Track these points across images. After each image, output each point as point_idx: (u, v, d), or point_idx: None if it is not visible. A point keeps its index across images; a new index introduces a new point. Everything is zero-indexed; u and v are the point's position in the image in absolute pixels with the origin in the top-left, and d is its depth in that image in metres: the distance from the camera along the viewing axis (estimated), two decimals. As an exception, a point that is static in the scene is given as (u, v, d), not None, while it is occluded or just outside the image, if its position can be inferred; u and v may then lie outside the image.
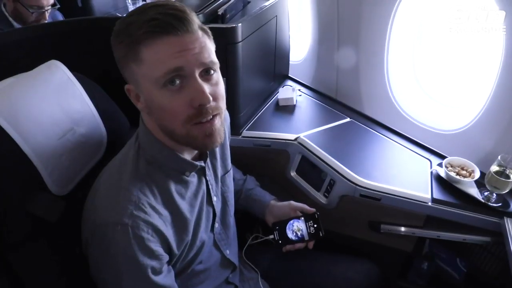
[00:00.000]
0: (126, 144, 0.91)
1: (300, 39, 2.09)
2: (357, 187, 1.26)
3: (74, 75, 1.01)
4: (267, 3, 1.52)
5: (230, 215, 1.09)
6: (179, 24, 0.71)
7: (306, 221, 1.13)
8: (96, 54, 1.25)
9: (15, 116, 0.83)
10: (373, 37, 1.55)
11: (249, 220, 1.31)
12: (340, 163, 1.34)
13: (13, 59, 1.09)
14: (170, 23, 0.70)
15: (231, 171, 1.12)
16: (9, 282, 0.82)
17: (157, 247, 0.80)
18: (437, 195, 1.22)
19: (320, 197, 1.37)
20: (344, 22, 1.63)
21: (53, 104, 0.93)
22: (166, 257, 0.83)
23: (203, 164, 0.92)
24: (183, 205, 0.89)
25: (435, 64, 1.54)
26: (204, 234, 0.96)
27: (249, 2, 1.62)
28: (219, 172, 1.04)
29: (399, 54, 1.55)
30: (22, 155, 0.83)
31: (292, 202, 1.20)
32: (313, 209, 1.16)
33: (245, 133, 1.51)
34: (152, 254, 0.79)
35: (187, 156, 0.89)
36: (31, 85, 0.90)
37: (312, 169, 1.40)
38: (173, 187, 0.87)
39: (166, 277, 0.83)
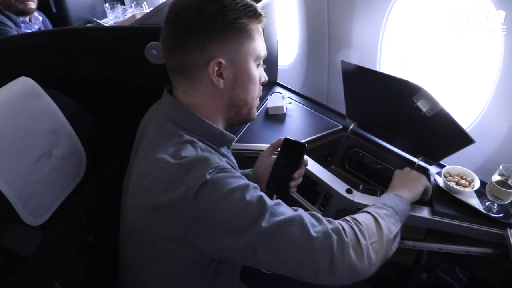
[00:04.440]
0: (160, 142, 0.83)
1: (288, 43, 2.03)
2: (354, 200, 1.21)
3: (47, 92, 0.94)
4: (253, 8, 1.45)
5: None
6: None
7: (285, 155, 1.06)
8: (71, 67, 1.18)
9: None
10: (366, 40, 1.50)
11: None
12: (334, 175, 1.29)
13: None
14: (263, 15, 0.87)
15: None
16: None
17: None
18: (437, 207, 1.17)
19: (315, 211, 1.31)
20: (335, 24, 1.58)
21: (24, 125, 0.86)
22: None
23: (233, 136, 0.96)
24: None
25: (430, 67, 1.49)
26: None
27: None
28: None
29: (392, 58, 1.51)
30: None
31: (263, 153, 1.16)
32: (281, 138, 1.08)
33: (234, 145, 1.44)
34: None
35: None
36: (-3, 106, 0.81)
37: (306, 182, 1.34)
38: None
39: None
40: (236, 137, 1.48)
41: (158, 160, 0.77)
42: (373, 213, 0.91)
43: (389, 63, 1.52)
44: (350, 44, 1.56)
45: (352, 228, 0.83)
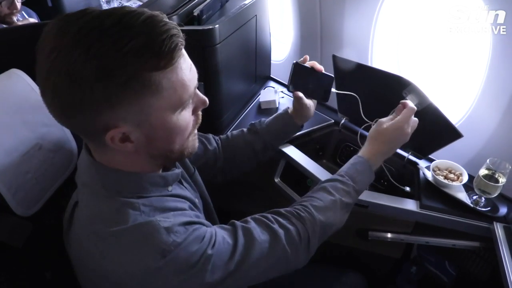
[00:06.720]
0: (83, 205, 0.75)
1: (281, 37, 2.04)
2: (343, 194, 1.21)
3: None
4: (246, 2, 1.45)
5: (214, 212, 1.07)
6: (183, 42, 0.65)
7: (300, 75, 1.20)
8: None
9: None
10: (357, 35, 1.51)
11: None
12: (325, 169, 1.30)
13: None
14: (178, 43, 0.63)
15: (196, 171, 1.05)
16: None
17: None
18: (425, 200, 1.18)
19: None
20: (327, 19, 1.59)
21: (15, 117, 0.86)
22: None
23: (178, 170, 0.86)
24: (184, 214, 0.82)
25: (421, 63, 1.50)
26: None
27: (227, 1, 1.56)
28: (186, 175, 0.98)
29: (384, 53, 1.52)
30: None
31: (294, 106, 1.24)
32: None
33: (227, 139, 1.44)
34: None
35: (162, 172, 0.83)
36: (-13, 98, 0.82)
37: (296, 175, 1.35)
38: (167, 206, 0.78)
39: None
40: (227, 131, 1.48)
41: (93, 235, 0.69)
42: (334, 198, 0.96)
43: (381, 58, 1.52)
44: (342, 39, 1.56)
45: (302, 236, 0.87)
